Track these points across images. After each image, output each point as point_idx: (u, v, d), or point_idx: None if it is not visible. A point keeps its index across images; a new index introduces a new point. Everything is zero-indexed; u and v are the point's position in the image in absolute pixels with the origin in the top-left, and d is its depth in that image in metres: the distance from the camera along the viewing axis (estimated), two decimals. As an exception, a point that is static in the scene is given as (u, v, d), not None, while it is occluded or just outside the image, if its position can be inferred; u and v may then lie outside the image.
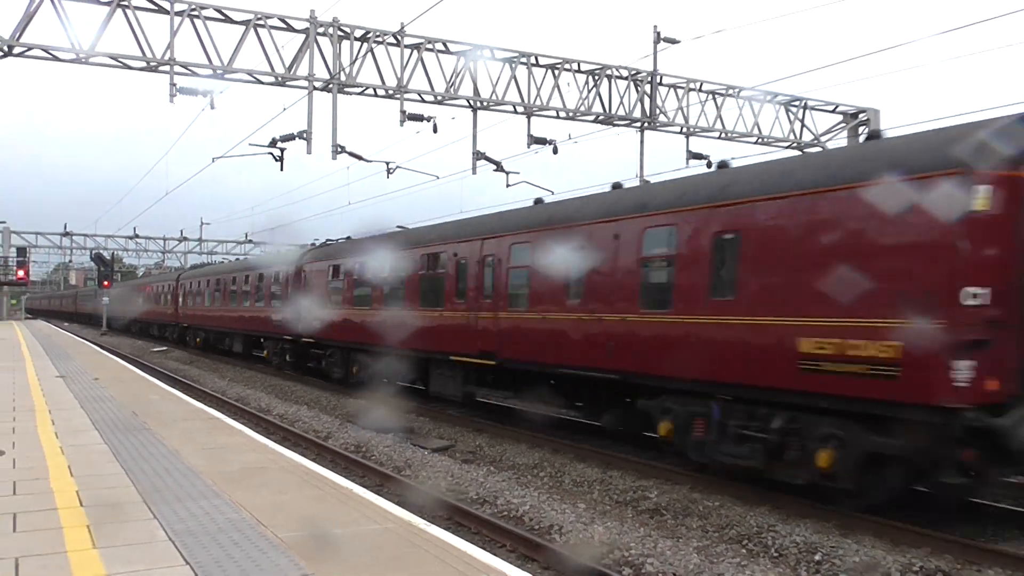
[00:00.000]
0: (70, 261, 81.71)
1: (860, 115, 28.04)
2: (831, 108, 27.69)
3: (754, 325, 8.87)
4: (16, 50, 17.97)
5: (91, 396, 13.27)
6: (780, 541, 8.09)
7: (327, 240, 25.66)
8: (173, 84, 19.05)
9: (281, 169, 20.50)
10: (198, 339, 33.43)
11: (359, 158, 21.47)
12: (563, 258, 11.81)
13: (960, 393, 7.15)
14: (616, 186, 13.26)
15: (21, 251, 61.00)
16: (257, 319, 25.50)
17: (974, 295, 7.16)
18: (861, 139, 27.87)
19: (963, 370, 7.15)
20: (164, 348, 35.16)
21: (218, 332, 30.63)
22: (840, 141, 27.93)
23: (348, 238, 23.50)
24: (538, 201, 15.39)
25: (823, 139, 27.69)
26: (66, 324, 66.62)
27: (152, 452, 8.36)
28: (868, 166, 8.18)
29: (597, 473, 11.14)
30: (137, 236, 65.45)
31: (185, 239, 67.43)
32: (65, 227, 63.58)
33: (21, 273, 61.56)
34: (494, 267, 13.91)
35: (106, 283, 52.37)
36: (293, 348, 22.62)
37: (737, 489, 9.92)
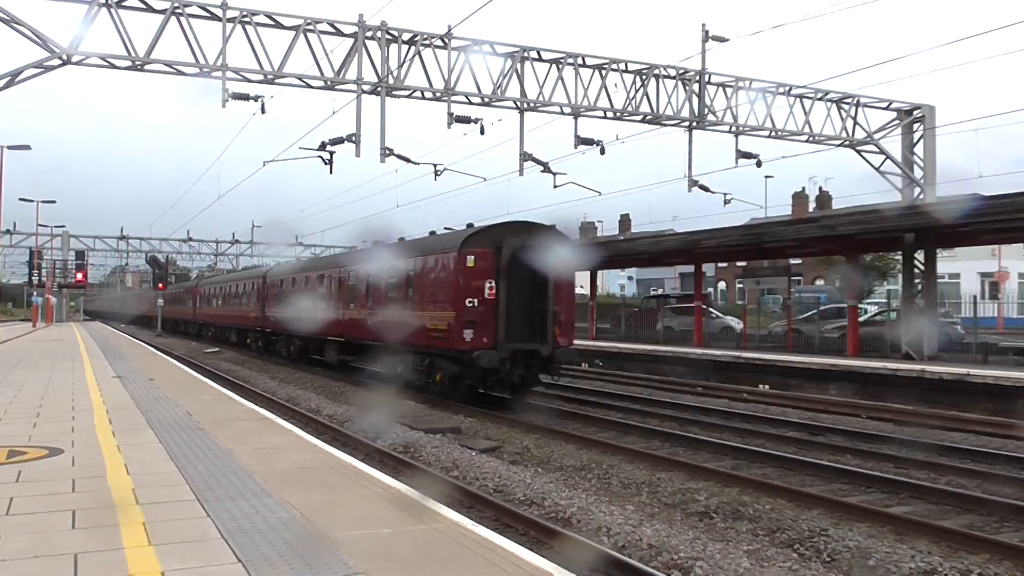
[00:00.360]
0: (126, 264, 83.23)
1: (915, 112, 27.45)
2: (885, 105, 27.14)
3: (417, 316, 18.11)
4: (75, 59, 18.46)
5: (147, 396, 13.54)
6: (833, 545, 7.95)
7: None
8: (225, 89, 19.42)
9: (330, 172, 20.76)
10: (291, 346, 28.51)
11: (407, 160, 21.63)
12: (360, 282, 22.04)
13: (467, 344, 16.41)
14: (404, 240, 22.33)
15: (80, 254, 62.45)
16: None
17: (469, 302, 16.39)
18: (916, 135, 27.22)
19: (467, 335, 16.40)
20: (216, 349, 35.76)
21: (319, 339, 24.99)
22: (894, 139, 27.37)
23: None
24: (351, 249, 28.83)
25: (877, 136, 27.16)
26: (122, 325, 67.91)
27: (205, 451, 8.51)
28: (439, 244, 18.09)
29: (645, 475, 11.06)
30: (190, 239, 66.72)
31: (236, 242, 68.70)
32: (121, 231, 65.25)
33: (80, 276, 63.10)
34: (341, 285, 23.64)
35: (160, 285, 53.36)
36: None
37: (788, 493, 9.79)
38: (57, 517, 5.83)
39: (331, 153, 20.85)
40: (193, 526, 5.64)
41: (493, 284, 16.52)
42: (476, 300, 16.40)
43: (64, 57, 18.36)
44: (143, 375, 17.40)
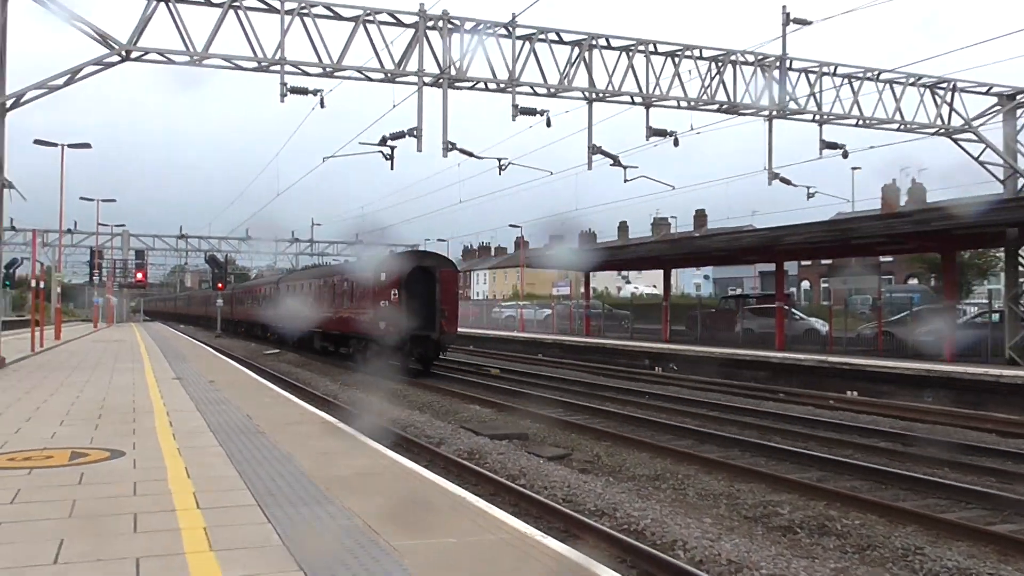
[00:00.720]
0: (185, 263, 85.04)
1: (1018, 96, 26.52)
2: (984, 90, 26.28)
3: (354, 313, 28.36)
4: (134, 54, 19.02)
5: (207, 399, 13.89)
6: (929, 566, 7.73)
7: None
8: (284, 83, 19.78)
9: (391, 167, 20.96)
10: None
11: (470, 155, 21.74)
12: (332, 290, 31.79)
13: (379, 331, 25.51)
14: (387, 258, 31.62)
15: (139, 254, 63.80)
16: None
17: (382, 303, 25.88)
18: (1020, 122, 26.31)
19: (380, 325, 25.46)
20: (276, 351, 36.46)
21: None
22: (995, 126, 26.48)
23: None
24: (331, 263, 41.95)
25: (975, 124, 26.31)
26: (181, 327, 69.48)
27: (266, 456, 8.68)
28: (367, 266, 28.88)
29: (723, 486, 10.92)
30: (249, 238, 68.24)
31: (296, 240, 69.90)
32: (180, 230, 66.41)
33: (140, 275, 64.95)
34: (323, 291, 33.48)
35: (220, 285, 54.23)
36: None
37: (880, 507, 9.56)
38: (119, 520, 6.01)
39: (392, 148, 21.07)
40: (254, 532, 5.76)
41: (397, 292, 26.36)
42: (387, 302, 26.26)
43: (123, 53, 18.93)
44: (203, 377, 17.87)
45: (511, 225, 69.85)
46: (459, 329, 29.08)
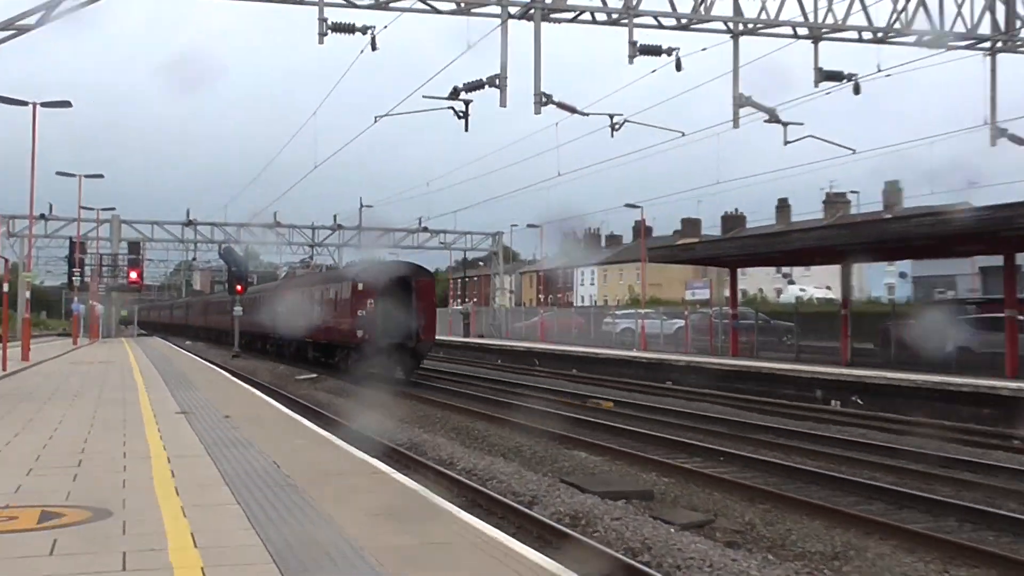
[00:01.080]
0: (194, 259, 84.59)
1: None
2: None
3: (337, 323, 38.57)
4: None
5: (221, 439, 14.03)
6: None
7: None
8: (323, 19, 20.01)
9: (466, 128, 21.02)
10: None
11: (571, 110, 21.66)
12: (320, 298, 42.01)
13: (357, 340, 34.91)
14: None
15: (133, 247, 64.08)
16: None
17: (359, 312, 34.91)
18: None
19: (358, 334, 34.69)
20: (312, 376, 37.10)
21: None
22: None
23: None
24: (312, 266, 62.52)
25: None
26: (187, 342, 70.06)
27: (299, 517, 8.71)
28: (346, 275, 40.13)
29: (934, 572, 10.56)
30: (279, 224, 67.78)
31: (339, 227, 70.14)
32: (188, 215, 66.79)
33: (133, 275, 64.58)
34: (312, 299, 43.15)
35: (239, 287, 54.10)
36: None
37: None
38: (103, 604, 6.05)
39: (466, 103, 21.10)
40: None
41: (374, 302, 34.47)
42: (364, 312, 34.51)
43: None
44: (216, 410, 18.10)
45: (628, 205, 67.93)
46: (558, 347, 37.01)
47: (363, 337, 34.34)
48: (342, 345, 37.35)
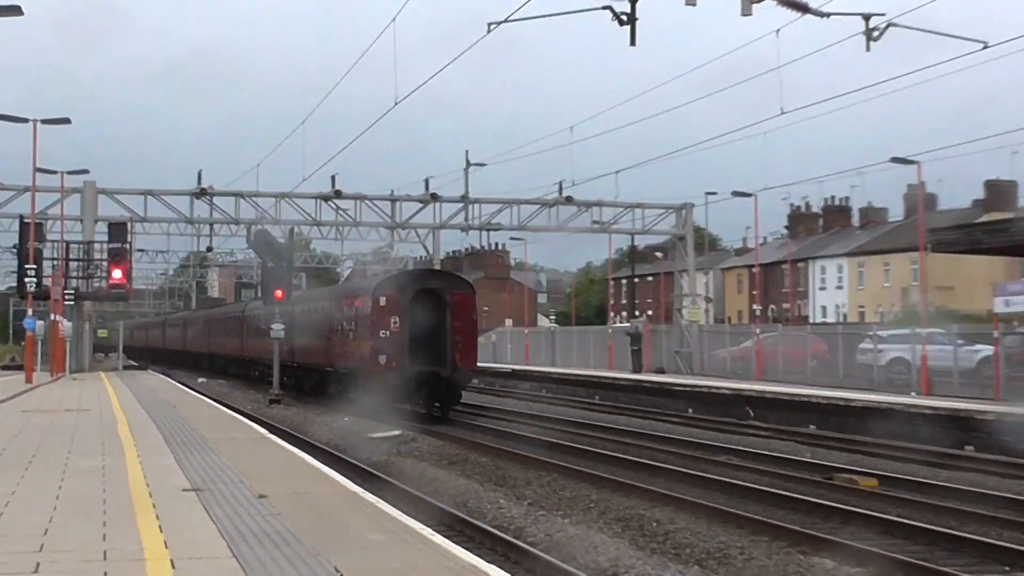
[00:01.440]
0: (209, 249, 56.27)
1: None
2: None
3: (354, 346, 35.12)
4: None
5: (252, 531, 10.19)
6: None
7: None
8: None
9: (632, 41, 15.61)
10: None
11: (801, 8, 16.53)
12: (334, 316, 37.98)
13: (379, 367, 31.33)
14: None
15: (117, 230, 45.09)
16: None
17: (380, 333, 31.44)
18: None
19: (380, 360, 31.32)
20: (395, 433, 27.92)
21: None
22: None
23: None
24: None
25: None
26: (201, 379, 52.24)
27: None
28: (362, 288, 38.07)
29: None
30: (338, 194, 46.81)
31: (434, 198, 48.12)
32: (199, 180, 46.68)
33: (117, 274, 45.10)
34: (326, 317, 38.41)
35: (278, 292, 36.79)
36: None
37: None
38: None
39: (632, 2, 15.67)
40: None
41: (398, 319, 30.67)
42: (387, 332, 30.76)
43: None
44: (245, 486, 13.76)
45: (895, 160, 41.94)
46: (785, 388, 31.38)
47: (386, 364, 30.44)
48: (360, 373, 32.44)
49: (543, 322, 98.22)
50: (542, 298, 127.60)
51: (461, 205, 49.26)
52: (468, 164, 50.14)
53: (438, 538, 10.13)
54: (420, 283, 32.27)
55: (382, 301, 31.17)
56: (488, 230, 53.62)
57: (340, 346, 35.59)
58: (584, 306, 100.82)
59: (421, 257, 58.92)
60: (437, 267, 50.76)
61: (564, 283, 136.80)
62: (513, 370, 54.10)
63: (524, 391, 47.46)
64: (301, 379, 41.99)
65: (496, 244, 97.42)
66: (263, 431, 23.01)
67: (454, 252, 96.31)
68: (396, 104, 30.87)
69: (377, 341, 30.72)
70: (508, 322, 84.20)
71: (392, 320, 30.60)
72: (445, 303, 30.65)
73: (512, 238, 70.37)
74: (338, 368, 35.85)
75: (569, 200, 48.82)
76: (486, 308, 78.16)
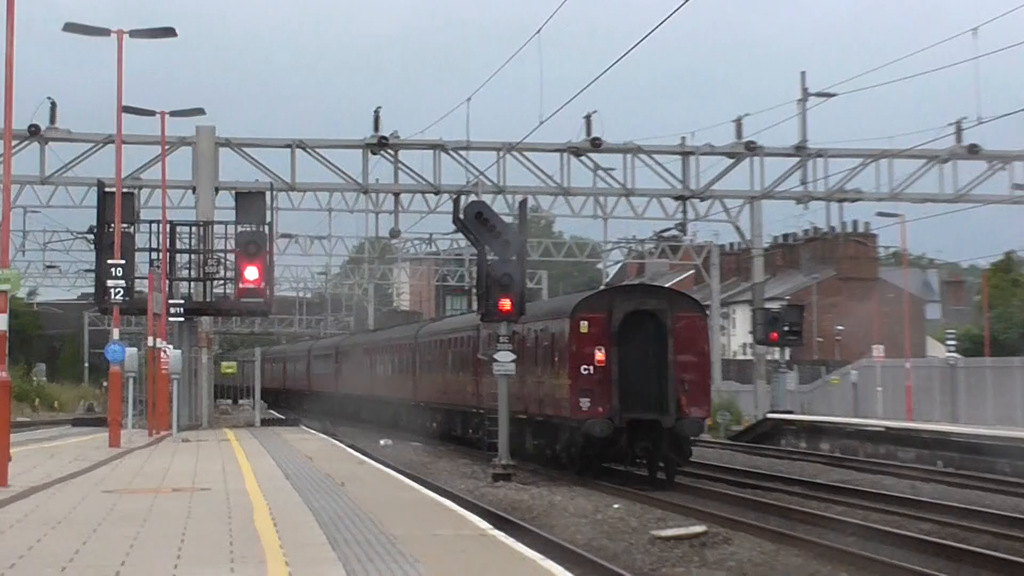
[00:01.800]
0: (395, 234, 39.79)
1: None
2: None
3: (549, 387, 27.73)
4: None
5: None
6: None
7: None
8: None
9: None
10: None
11: None
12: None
13: (581, 414, 24.35)
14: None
15: (251, 203, 31.39)
16: None
17: (583, 369, 24.43)
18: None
19: (582, 405, 24.27)
20: (697, 530, 18.07)
21: None
22: None
23: None
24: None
25: None
26: (385, 441, 38.09)
27: None
28: (545, 308, 30.57)
29: None
30: (595, 145, 34.76)
31: (749, 148, 35.14)
32: (376, 123, 34.33)
33: (253, 274, 31.89)
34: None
35: (505, 299, 25.54)
36: None
37: None
38: None
39: None
40: None
41: (605, 350, 24.64)
42: (590, 368, 24.75)
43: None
44: None
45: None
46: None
47: (589, 410, 23.99)
48: (551, 421, 26.80)
49: (935, 349, 66.21)
50: (933, 311, 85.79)
51: (794, 160, 35.43)
52: (805, 94, 34.93)
53: None
54: (633, 302, 25.83)
55: (583, 326, 24.96)
56: (840, 201, 37.56)
57: (534, 387, 27.78)
58: (1004, 323, 66.74)
59: (731, 246, 43.50)
60: (758, 256, 38.18)
61: (970, 286, 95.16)
62: (887, 428, 35.71)
63: (904, 464, 31.48)
64: (466, 426, 34.15)
65: (854, 224, 65.39)
66: (483, 524, 14.13)
67: (784, 236, 67.72)
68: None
69: (578, 379, 24.45)
70: (878, 350, 53.33)
71: (596, 351, 24.56)
72: (666, 329, 24.49)
73: (880, 213, 46.32)
74: (532, 416, 28.49)
75: (974, 150, 34.58)
76: (839, 327, 64.07)
